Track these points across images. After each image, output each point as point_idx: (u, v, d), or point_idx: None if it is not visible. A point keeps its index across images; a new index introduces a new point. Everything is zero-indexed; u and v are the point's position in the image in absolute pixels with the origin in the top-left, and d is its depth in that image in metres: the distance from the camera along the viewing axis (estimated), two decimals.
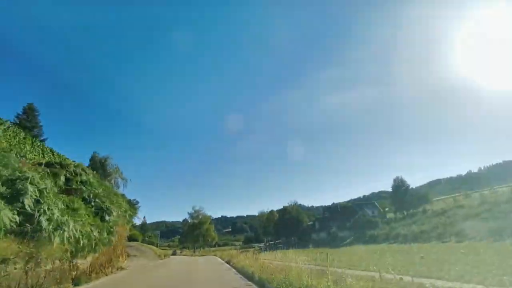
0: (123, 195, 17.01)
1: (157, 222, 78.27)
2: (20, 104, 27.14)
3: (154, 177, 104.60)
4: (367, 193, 75.84)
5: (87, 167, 13.41)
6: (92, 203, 9.53)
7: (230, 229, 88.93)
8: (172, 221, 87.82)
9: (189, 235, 37.56)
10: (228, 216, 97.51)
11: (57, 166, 9.91)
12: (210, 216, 39.55)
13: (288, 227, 37.09)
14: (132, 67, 74.57)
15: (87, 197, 9.52)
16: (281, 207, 43.92)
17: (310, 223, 40.73)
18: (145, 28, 67.94)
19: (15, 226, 5.26)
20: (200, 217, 37.76)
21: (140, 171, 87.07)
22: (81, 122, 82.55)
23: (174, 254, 29.00)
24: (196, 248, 35.89)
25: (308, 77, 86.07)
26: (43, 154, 12.84)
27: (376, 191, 66.81)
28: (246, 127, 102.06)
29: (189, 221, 38.34)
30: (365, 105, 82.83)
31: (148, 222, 51.86)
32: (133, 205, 20.61)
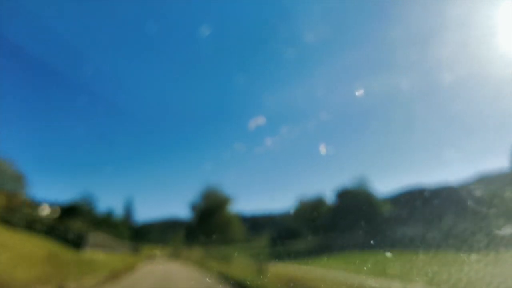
0: None
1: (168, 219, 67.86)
2: None
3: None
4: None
5: None
6: None
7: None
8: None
9: (199, 226, 26.42)
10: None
11: None
12: (230, 198, 27.30)
13: (352, 218, 26.01)
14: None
15: None
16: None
17: (388, 212, 28.85)
18: None
19: None
20: (216, 198, 26.40)
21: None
22: None
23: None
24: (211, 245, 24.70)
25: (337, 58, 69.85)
26: None
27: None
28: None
29: (200, 206, 27.28)
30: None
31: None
32: None
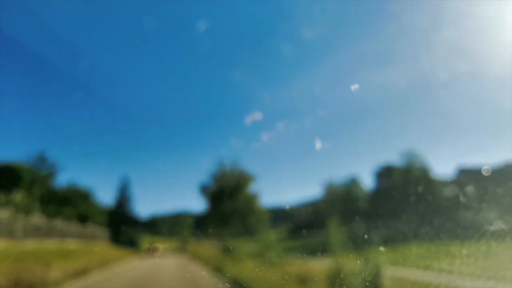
0: None
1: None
2: None
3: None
4: None
5: None
6: None
7: None
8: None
9: (212, 213, 20.68)
10: None
11: None
12: (251, 176, 20.75)
13: (401, 201, 20.23)
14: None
15: None
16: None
17: (451, 194, 22.15)
18: None
19: None
20: (232, 177, 20.10)
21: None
22: None
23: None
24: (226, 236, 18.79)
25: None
26: None
27: None
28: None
29: (212, 188, 20.84)
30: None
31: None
32: None
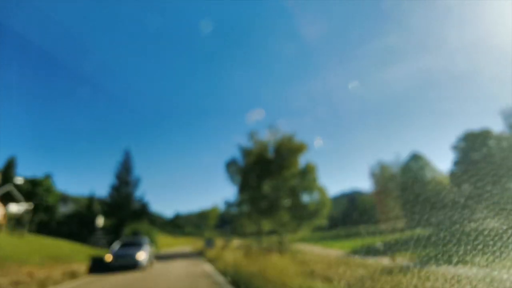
0: None
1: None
2: None
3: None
4: None
5: None
6: None
7: None
8: None
9: (247, 198, 13.40)
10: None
11: None
12: (302, 144, 12.89)
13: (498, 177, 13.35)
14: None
15: None
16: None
17: None
18: None
19: None
20: (275, 144, 13.03)
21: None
22: None
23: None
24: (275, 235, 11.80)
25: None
26: None
27: None
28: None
29: (245, 163, 13.74)
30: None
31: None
32: None
